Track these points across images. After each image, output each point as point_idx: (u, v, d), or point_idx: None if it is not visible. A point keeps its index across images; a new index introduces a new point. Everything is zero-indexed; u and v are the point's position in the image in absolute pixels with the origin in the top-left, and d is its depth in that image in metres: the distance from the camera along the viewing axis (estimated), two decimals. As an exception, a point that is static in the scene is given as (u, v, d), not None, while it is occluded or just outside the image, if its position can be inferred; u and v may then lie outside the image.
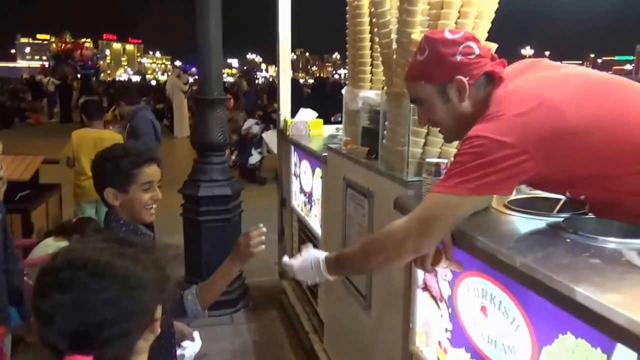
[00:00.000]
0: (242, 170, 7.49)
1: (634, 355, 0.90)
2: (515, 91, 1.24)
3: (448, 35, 1.30)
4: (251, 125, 7.65)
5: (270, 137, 6.94)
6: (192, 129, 3.93)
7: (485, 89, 1.30)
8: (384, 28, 1.84)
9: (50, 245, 2.83)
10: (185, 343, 1.73)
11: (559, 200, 1.50)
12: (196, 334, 1.76)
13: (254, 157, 7.48)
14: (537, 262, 1.11)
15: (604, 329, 0.91)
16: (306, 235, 3.03)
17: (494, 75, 1.29)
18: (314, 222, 2.83)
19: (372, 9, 1.96)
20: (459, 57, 1.27)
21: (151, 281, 0.82)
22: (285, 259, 1.56)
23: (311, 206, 2.90)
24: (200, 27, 3.28)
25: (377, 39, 1.97)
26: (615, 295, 0.96)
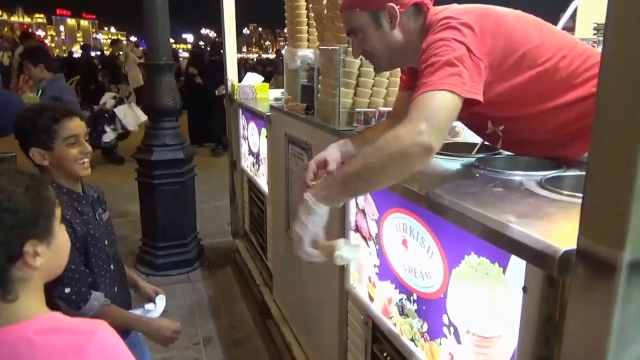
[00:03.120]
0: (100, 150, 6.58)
1: (523, 263, 1.02)
2: (454, 8, 1.32)
3: None
4: (107, 99, 6.61)
5: (123, 113, 6.11)
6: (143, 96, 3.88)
7: (414, 19, 1.36)
8: (313, -16, 1.90)
9: None
10: (148, 306, 1.74)
11: (475, 144, 1.63)
12: (160, 298, 1.76)
13: (108, 135, 6.50)
14: (445, 191, 1.22)
15: (500, 242, 1.02)
16: (255, 195, 3.11)
17: (422, 6, 1.36)
18: (262, 181, 2.90)
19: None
20: None
21: (21, 210, 0.87)
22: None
23: (259, 166, 2.97)
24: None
25: (310, -4, 2.02)
26: (510, 215, 1.08)
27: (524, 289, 0.99)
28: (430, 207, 1.23)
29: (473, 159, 1.49)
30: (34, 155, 1.54)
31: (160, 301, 1.75)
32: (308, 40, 2.33)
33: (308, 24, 2.31)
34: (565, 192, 1.16)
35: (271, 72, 11.45)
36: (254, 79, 3.40)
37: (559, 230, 1.00)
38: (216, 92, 6.52)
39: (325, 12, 1.86)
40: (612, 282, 0.73)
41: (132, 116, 6.03)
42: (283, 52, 2.49)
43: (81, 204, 1.59)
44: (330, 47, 1.82)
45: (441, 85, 1.15)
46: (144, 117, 5.93)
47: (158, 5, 3.27)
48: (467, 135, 1.82)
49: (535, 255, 0.90)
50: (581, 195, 1.11)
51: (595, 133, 0.73)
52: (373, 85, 1.80)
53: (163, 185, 3.39)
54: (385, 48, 1.39)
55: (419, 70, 1.22)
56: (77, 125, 1.56)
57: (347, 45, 1.75)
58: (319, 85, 1.93)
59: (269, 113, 2.57)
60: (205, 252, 3.68)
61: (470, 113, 1.28)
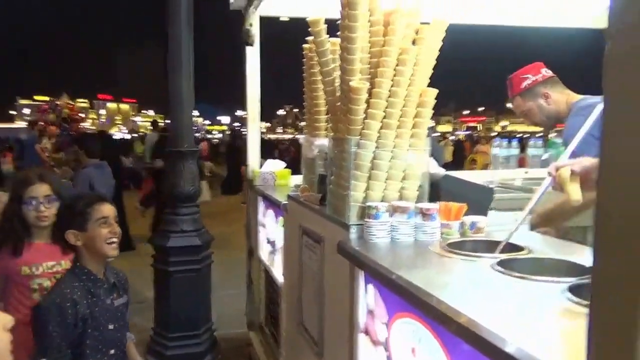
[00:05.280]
0: None
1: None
2: None
3: None
4: None
5: None
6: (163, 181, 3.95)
7: None
8: (328, 76, 1.90)
9: None
10: None
11: (499, 242, 1.52)
12: None
13: None
14: (455, 297, 1.11)
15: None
16: (271, 286, 2.99)
17: None
18: (277, 271, 2.80)
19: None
20: None
21: None
22: None
23: (275, 255, 2.88)
24: (171, 81, 3.36)
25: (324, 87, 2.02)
26: (520, 330, 0.97)
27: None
28: (434, 316, 1.12)
29: (494, 260, 1.38)
30: (69, 237, 1.75)
31: None
32: (326, 130, 2.31)
33: (327, 113, 2.30)
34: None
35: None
36: (274, 165, 3.39)
37: (575, 351, 0.87)
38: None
39: (338, 104, 1.84)
40: None
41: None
42: (301, 140, 2.48)
43: (96, 287, 1.76)
44: (342, 137, 1.78)
45: None
46: None
47: (184, 93, 3.36)
48: (491, 232, 1.71)
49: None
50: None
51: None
52: (387, 178, 1.73)
53: (178, 273, 3.30)
54: None
55: None
56: (107, 209, 1.79)
57: (359, 137, 1.71)
58: (332, 177, 1.88)
59: (286, 202, 2.52)
60: (218, 344, 3.50)
61: None
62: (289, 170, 3.34)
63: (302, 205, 2.25)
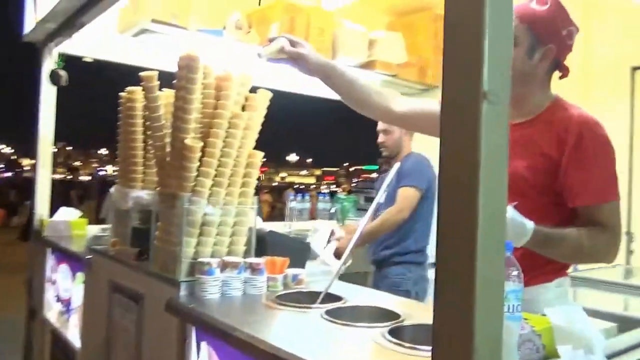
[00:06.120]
0: None
1: None
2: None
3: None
4: None
5: None
6: None
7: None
8: (158, 132, 1.89)
9: None
10: None
11: (319, 293, 1.69)
12: None
13: None
14: (295, 350, 1.22)
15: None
16: (61, 350, 2.68)
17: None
18: (72, 333, 2.53)
19: (146, 112, 2.00)
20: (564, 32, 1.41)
21: None
22: None
23: (69, 316, 2.60)
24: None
25: (150, 141, 2.00)
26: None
27: None
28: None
29: (322, 310, 1.53)
30: None
31: None
32: (143, 181, 2.25)
33: (144, 164, 2.24)
34: (406, 345, 1.25)
35: (81, 196, 10.71)
36: (69, 213, 3.10)
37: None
38: None
39: (168, 159, 1.85)
40: None
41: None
42: (112, 190, 2.35)
43: None
44: (173, 193, 1.78)
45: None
46: None
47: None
48: (311, 284, 1.87)
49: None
50: (421, 347, 1.21)
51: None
52: (217, 234, 1.78)
53: None
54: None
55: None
56: None
57: (190, 193, 1.74)
58: (157, 232, 1.84)
59: (90, 256, 2.34)
60: None
61: None
62: (85, 220, 3.08)
63: (114, 260, 2.13)
